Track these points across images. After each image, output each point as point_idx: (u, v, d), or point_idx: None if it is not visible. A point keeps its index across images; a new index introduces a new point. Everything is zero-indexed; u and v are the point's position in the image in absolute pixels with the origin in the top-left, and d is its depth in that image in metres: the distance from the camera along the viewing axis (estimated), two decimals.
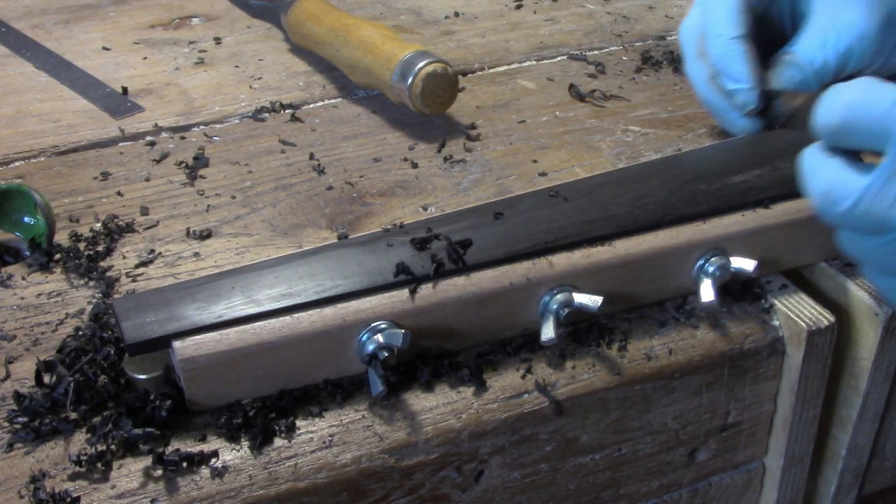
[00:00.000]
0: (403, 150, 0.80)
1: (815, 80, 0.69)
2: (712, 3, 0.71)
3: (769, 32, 0.73)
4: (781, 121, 0.71)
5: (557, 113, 0.85)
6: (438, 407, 0.56)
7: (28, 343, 0.60)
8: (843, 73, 0.69)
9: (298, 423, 0.54)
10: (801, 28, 0.71)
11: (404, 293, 0.56)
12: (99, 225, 0.70)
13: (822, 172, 0.50)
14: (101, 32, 1.03)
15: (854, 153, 0.51)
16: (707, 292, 0.60)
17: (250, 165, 0.78)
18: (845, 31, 0.68)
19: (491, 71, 0.94)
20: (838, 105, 0.49)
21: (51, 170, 0.78)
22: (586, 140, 0.81)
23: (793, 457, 0.67)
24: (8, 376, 0.57)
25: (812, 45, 0.69)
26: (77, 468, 0.51)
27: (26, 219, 0.68)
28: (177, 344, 0.52)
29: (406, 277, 0.56)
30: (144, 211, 0.72)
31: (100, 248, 0.68)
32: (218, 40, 1.01)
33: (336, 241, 0.62)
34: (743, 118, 0.71)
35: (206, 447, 0.52)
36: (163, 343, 0.53)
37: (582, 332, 0.61)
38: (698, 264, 0.62)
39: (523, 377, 0.58)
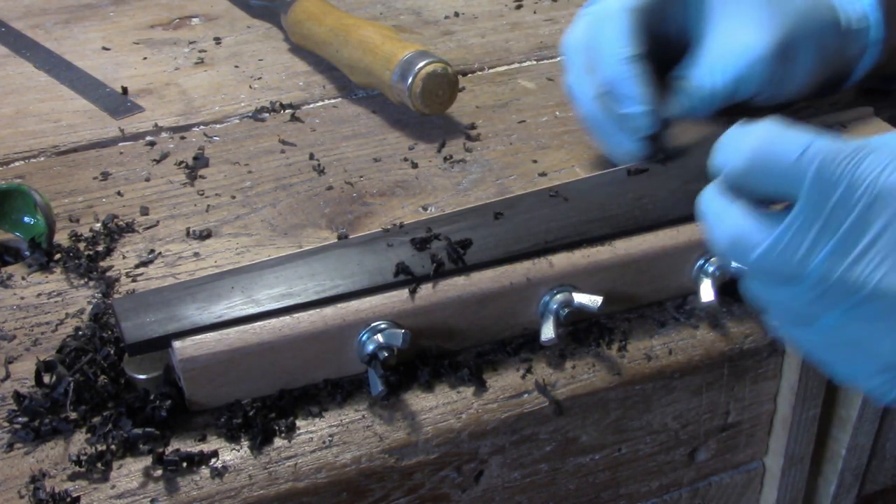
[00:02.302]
0: (403, 150, 0.80)
1: (709, 105, 0.66)
2: (603, 17, 0.66)
3: (662, 50, 0.69)
4: (671, 149, 0.67)
5: (557, 113, 0.85)
6: (438, 407, 0.56)
7: (28, 343, 0.60)
8: (733, 99, 0.67)
9: (298, 423, 0.54)
10: (693, 50, 0.68)
11: (404, 293, 0.56)
12: (99, 225, 0.70)
13: (726, 219, 0.48)
14: (101, 32, 1.03)
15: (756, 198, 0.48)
16: (707, 292, 0.60)
17: (250, 165, 0.78)
18: (742, 54, 0.65)
19: (491, 71, 0.94)
20: (744, 149, 0.47)
21: (51, 170, 0.78)
22: (586, 140, 0.80)
23: (793, 457, 0.67)
24: (8, 376, 0.57)
25: (704, 70, 0.66)
26: (77, 468, 0.51)
27: (26, 219, 0.68)
28: (177, 344, 0.52)
29: (406, 277, 0.56)
30: (144, 211, 0.72)
31: (100, 248, 0.68)
32: (218, 40, 1.01)
33: (336, 241, 0.62)
34: (630, 142, 0.66)
35: (206, 447, 0.52)
36: (163, 343, 0.53)
37: (582, 332, 0.61)
38: (698, 264, 0.62)
39: (523, 377, 0.58)
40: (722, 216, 0.48)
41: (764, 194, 0.47)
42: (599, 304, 0.57)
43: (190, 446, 0.53)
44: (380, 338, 0.54)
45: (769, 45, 0.65)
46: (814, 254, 0.45)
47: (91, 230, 0.70)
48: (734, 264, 0.49)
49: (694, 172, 0.66)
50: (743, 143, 0.47)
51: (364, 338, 0.55)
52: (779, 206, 0.47)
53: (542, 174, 0.75)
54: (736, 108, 0.69)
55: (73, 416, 0.54)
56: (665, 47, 0.69)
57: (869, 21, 0.70)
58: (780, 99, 0.69)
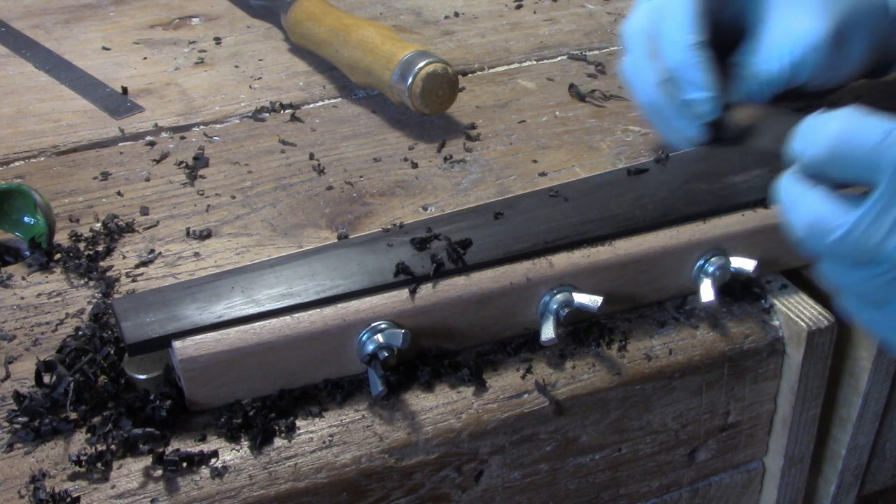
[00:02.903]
0: (403, 150, 0.80)
1: (767, 90, 0.68)
2: (666, 4, 0.67)
3: (720, 37, 0.70)
4: (730, 133, 0.69)
5: (557, 113, 0.85)
6: (438, 407, 0.56)
7: (28, 343, 0.60)
8: (793, 84, 0.68)
9: (298, 423, 0.54)
10: (754, 35, 0.69)
11: (404, 293, 0.56)
12: (99, 225, 0.70)
13: (805, 203, 0.50)
14: (101, 32, 1.03)
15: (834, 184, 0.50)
16: (707, 292, 0.60)
17: (250, 165, 0.78)
18: (799, 41, 0.66)
19: (491, 71, 0.94)
20: (824, 136, 0.48)
21: (51, 170, 0.78)
22: (586, 140, 0.81)
23: (793, 457, 0.67)
24: (8, 376, 0.57)
25: (766, 55, 0.67)
26: (77, 468, 0.51)
27: (26, 219, 0.68)
28: (177, 344, 0.52)
29: (406, 277, 0.56)
30: (144, 211, 0.72)
31: (100, 248, 0.68)
32: (218, 40, 1.01)
33: (336, 241, 0.62)
34: (693, 127, 0.68)
35: (206, 447, 0.52)
36: (163, 343, 0.53)
37: (582, 332, 0.61)
38: (698, 264, 0.62)
39: (523, 377, 0.58)
40: (800, 201, 0.50)
41: (843, 180, 0.49)
42: (599, 304, 0.57)
43: (190, 446, 0.53)
44: (380, 338, 0.54)
45: (825, 31, 0.66)
46: (892, 236, 0.46)
47: (91, 230, 0.70)
48: (813, 249, 0.51)
49: (694, 172, 0.66)
50: (824, 131, 0.48)
51: (364, 338, 0.55)
52: (854, 192, 0.48)
53: (542, 174, 0.75)
54: (791, 92, 0.70)
55: (73, 416, 0.54)
56: (722, 34, 0.71)
57: None
58: (833, 83, 0.71)
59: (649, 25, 0.69)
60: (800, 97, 0.73)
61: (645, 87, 0.70)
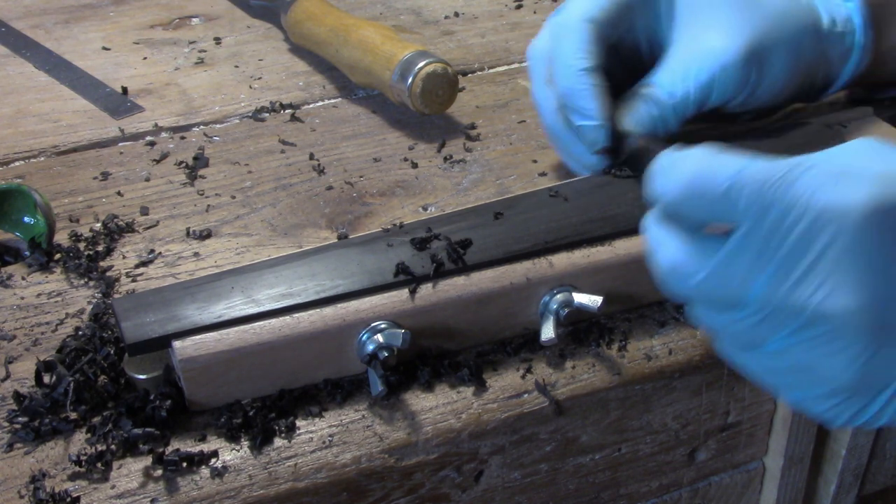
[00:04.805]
0: (403, 150, 0.80)
1: (674, 115, 0.63)
2: (561, 28, 0.64)
3: (625, 65, 0.67)
4: (629, 162, 0.64)
5: None
6: (438, 407, 0.56)
7: (28, 343, 0.60)
8: (704, 106, 0.65)
9: (298, 423, 0.54)
10: (660, 59, 0.66)
11: (404, 293, 0.56)
12: (99, 225, 0.70)
13: (666, 245, 0.47)
14: (101, 32, 1.03)
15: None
16: None
17: (250, 165, 0.78)
18: (707, 61, 0.63)
19: (491, 71, 0.94)
20: (677, 178, 0.46)
21: (51, 170, 0.78)
22: None
23: (793, 457, 0.67)
24: (8, 376, 0.57)
25: (671, 77, 0.63)
26: (77, 468, 0.51)
27: (26, 219, 0.68)
28: (177, 344, 0.52)
29: (406, 277, 0.56)
30: (144, 211, 0.72)
31: (100, 248, 0.68)
32: (218, 40, 1.01)
33: (336, 241, 0.62)
34: (590, 155, 0.64)
35: (206, 447, 0.52)
36: (163, 343, 0.53)
37: (582, 332, 0.61)
38: None
39: (523, 377, 0.58)
40: (660, 244, 0.48)
41: (701, 221, 0.46)
42: (599, 304, 0.57)
43: (190, 446, 0.53)
44: (380, 338, 0.54)
45: (737, 50, 0.63)
46: (753, 278, 0.44)
47: (91, 230, 0.70)
48: (675, 293, 0.48)
49: None
50: (675, 172, 0.46)
51: (364, 338, 0.55)
52: (726, 227, 0.46)
53: (542, 174, 0.75)
54: (711, 116, 0.68)
55: (73, 416, 0.54)
56: (635, 59, 0.68)
57: (854, 24, 0.69)
58: (755, 104, 0.68)
59: (548, 49, 0.66)
60: (725, 119, 0.70)
61: (546, 112, 0.67)
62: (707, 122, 0.69)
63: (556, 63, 0.64)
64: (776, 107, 0.72)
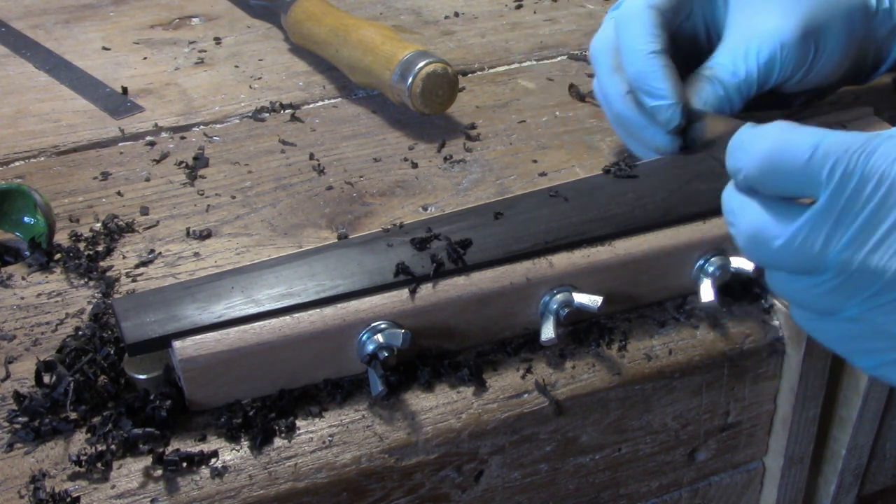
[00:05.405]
0: (403, 150, 0.80)
1: (738, 95, 0.66)
2: (625, 18, 0.67)
3: (684, 51, 0.70)
4: (700, 143, 0.67)
5: (557, 113, 0.85)
6: (438, 407, 0.56)
7: (28, 343, 0.60)
8: (765, 85, 0.67)
9: (298, 423, 0.54)
10: (719, 42, 0.68)
11: (404, 293, 0.56)
12: (99, 225, 0.70)
13: (746, 214, 0.49)
14: (101, 32, 1.03)
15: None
16: (707, 292, 0.60)
17: (250, 165, 0.78)
18: (766, 40, 0.65)
19: (491, 71, 0.94)
20: (755, 154, 0.48)
21: (51, 170, 0.78)
22: (586, 140, 0.81)
23: (793, 457, 0.67)
24: (8, 376, 0.57)
25: (733, 58, 0.66)
26: (77, 468, 0.51)
27: (26, 219, 0.68)
28: (177, 344, 0.52)
29: (406, 277, 0.56)
30: (144, 211, 0.72)
31: (100, 248, 0.68)
32: (218, 40, 1.01)
33: (336, 241, 0.62)
34: (663, 135, 0.67)
35: (206, 447, 0.52)
36: (163, 343, 0.53)
37: (582, 332, 0.61)
38: (698, 264, 0.62)
39: (523, 377, 0.58)
40: (741, 211, 0.50)
41: (781, 192, 0.48)
42: (599, 304, 0.57)
43: (190, 446, 0.53)
44: (380, 338, 0.54)
45: (793, 29, 0.65)
46: (832, 244, 0.46)
47: (91, 230, 0.70)
48: (756, 258, 0.50)
49: (694, 172, 0.66)
50: (754, 148, 0.48)
51: (364, 338, 0.55)
52: (807, 200, 0.48)
53: (542, 174, 0.75)
54: (767, 98, 0.69)
55: (73, 416, 0.54)
56: (693, 47, 0.70)
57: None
58: (812, 84, 0.70)
59: (613, 40, 0.69)
60: (780, 104, 0.72)
61: (614, 100, 0.69)
62: (760, 109, 0.71)
63: (623, 49, 0.67)
64: (829, 87, 0.73)
